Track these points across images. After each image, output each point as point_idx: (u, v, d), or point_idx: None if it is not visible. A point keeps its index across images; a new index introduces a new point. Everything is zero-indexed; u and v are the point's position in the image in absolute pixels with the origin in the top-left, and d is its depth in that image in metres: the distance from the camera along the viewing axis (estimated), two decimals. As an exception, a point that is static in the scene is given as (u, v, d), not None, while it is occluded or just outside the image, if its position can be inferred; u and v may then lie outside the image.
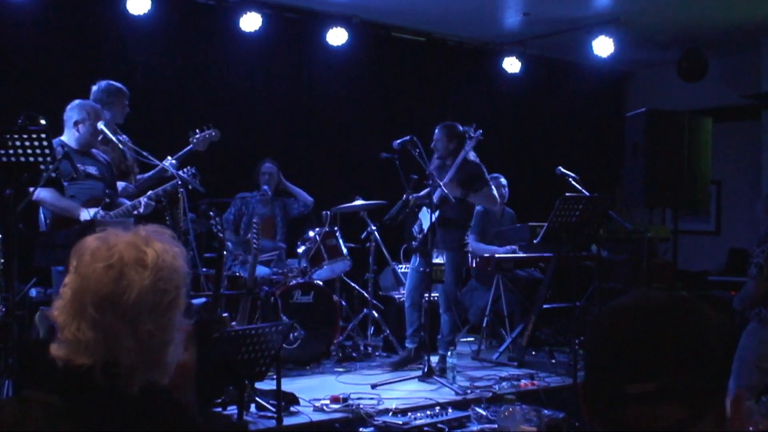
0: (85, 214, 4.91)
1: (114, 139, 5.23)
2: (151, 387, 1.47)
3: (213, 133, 5.84)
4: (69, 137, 5.14)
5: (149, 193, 5.17)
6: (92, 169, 5.11)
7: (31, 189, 4.25)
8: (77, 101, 5.23)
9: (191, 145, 5.77)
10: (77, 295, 1.46)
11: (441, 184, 6.05)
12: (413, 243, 6.37)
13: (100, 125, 5.15)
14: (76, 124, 5.12)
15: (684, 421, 1.18)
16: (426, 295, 6.03)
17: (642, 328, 1.21)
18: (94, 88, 5.64)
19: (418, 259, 6.40)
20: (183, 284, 1.52)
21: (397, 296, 7.18)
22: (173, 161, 5.50)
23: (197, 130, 5.82)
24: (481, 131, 6.40)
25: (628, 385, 1.18)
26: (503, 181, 7.46)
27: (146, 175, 5.75)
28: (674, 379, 1.17)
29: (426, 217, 6.23)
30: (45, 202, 4.95)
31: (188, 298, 1.57)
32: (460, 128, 6.43)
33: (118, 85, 5.69)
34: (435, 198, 6.15)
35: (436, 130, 6.43)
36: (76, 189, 4.99)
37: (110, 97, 5.60)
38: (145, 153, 5.33)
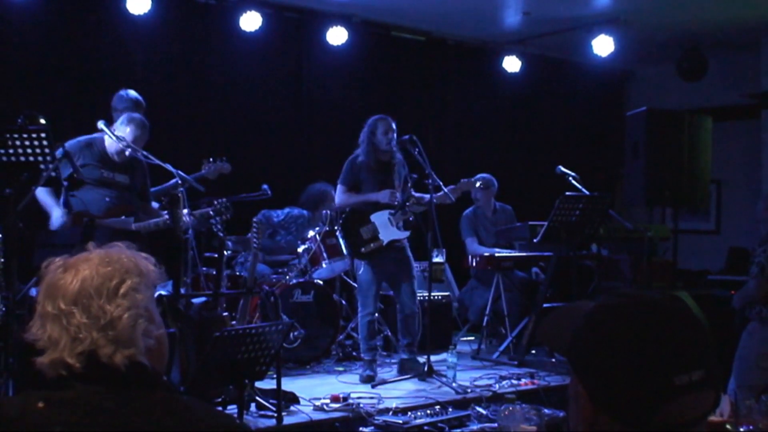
0: (55, 214, 4.94)
1: (112, 136, 5.21)
2: (134, 366, 1.57)
3: (226, 167, 5.99)
4: None
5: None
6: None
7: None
8: None
9: (204, 171, 5.85)
10: (40, 303, 1.61)
11: (441, 184, 6.01)
12: (362, 248, 5.96)
13: (101, 124, 5.14)
14: None
15: (710, 409, 1.22)
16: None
17: (677, 322, 1.22)
18: None
19: (363, 266, 6.02)
20: (133, 271, 1.64)
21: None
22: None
23: (211, 159, 5.91)
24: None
25: (675, 377, 1.17)
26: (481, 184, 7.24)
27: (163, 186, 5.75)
28: (713, 367, 1.21)
29: (383, 222, 6.00)
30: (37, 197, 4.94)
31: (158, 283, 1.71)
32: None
33: (133, 95, 5.68)
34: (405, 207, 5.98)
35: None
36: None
37: (121, 103, 5.63)
38: (156, 160, 5.29)
